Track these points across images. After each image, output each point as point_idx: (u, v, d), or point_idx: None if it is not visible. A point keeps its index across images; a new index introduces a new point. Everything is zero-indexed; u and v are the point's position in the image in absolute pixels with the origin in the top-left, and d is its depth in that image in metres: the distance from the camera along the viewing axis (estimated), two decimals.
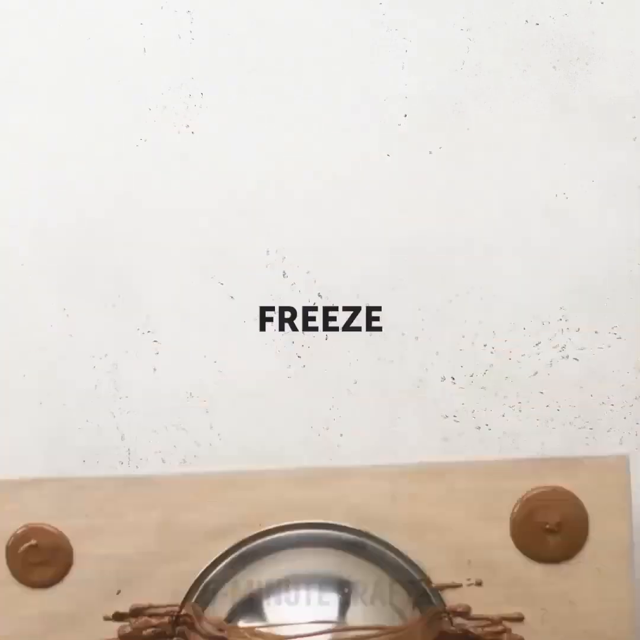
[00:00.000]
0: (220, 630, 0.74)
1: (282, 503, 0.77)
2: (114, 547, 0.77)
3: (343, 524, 0.77)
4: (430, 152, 0.89)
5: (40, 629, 0.77)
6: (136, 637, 0.76)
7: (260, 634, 0.72)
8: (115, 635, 0.76)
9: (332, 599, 0.74)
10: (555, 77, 0.89)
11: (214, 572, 0.78)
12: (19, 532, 0.77)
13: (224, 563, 0.78)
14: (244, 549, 0.78)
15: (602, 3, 0.88)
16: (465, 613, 0.76)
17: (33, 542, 0.76)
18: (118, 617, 0.76)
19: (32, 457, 0.90)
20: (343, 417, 0.90)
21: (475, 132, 0.89)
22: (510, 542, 0.76)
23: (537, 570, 0.76)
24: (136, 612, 0.76)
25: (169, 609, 0.76)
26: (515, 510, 0.76)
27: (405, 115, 0.89)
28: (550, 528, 0.76)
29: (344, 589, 0.75)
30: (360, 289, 0.89)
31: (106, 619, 0.76)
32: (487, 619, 0.76)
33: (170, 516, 0.77)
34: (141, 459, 0.90)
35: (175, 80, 0.89)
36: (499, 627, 0.76)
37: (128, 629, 0.76)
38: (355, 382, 0.89)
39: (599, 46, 0.88)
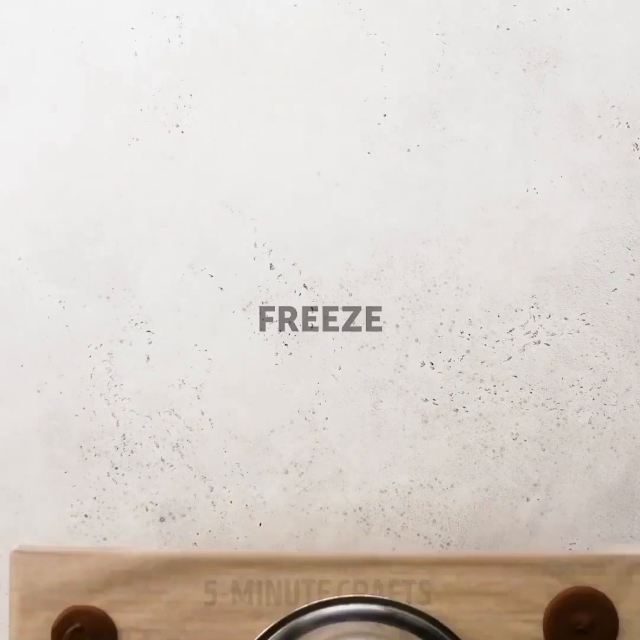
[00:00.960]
0: None
1: (325, 585, 0.77)
2: (156, 623, 0.77)
3: (381, 597, 0.77)
4: (408, 150, 0.92)
5: None
6: None
7: None
8: None
9: None
10: (525, 79, 0.92)
11: None
12: (63, 614, 0.76)
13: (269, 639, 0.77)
14: (286, 626, 0.77)
15: (568, 10, 0.92)
16: None
17: (77, 625, 0.76)
18: None
19: (30, 442, 0.92)
20: (328, 400, 0.92)
21: (450, 131, 0.92)
22: (541, 637, 0.77)
23: None
24: None
25: None
26: (548, 609, 0.76)
27: (385, 115, 0.92)
28: (582, 628, 0.76)
29: None
30: (343, 279, 0.92)
31: None
32: None
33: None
34: (135, 444, 0.92)
35: (165, 82, 0.92)
36: None
37: None
38: (340, 368, 0.92)
39: (566, 50, 0.92)
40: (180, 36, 0.92)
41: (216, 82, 0.92)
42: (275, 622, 0.77)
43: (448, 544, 0.90)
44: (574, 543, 0.91)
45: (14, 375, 0.91)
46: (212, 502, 0.91)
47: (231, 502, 0.91)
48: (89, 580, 0.77)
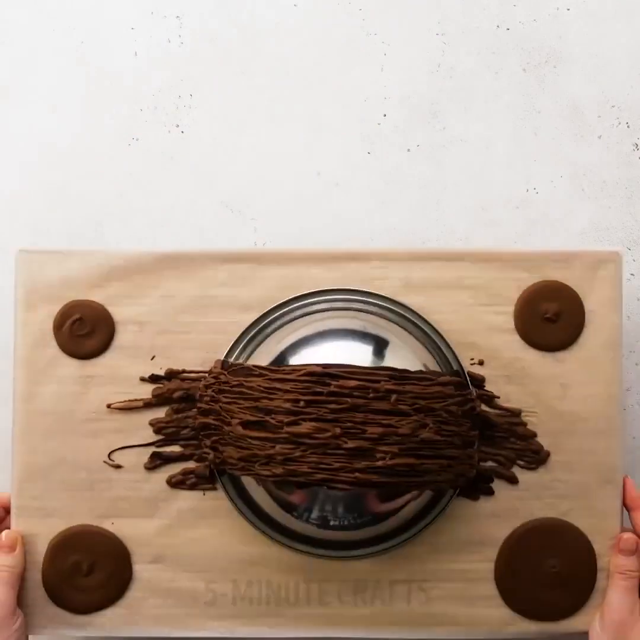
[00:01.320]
0: (250, 373, 0.76)
1: (309, 279, 0.82)
2: (151, 315, 0.82)
3: (364, 289, 0.81)
4: (408, 150, 0.92)
5: (80, 389, 0.81)
6: (168, 398, 0.81)
7: (288, 367, 0.75)
8: (150, 396, 0.81)
9: (364, 349, 0.78)
10: (525, 79, 0.93)
11: (247, 338, 0.81)
12: (64, 307, 0.81)
13: (255, 329, 0.81)
14: (274, 315, 0.81)
15: (568, 10, 0.92)
16: (490, 399, 0.81)
17: (78, 316, 0.81)
18: (154, 379, 0.81)
19: None
20: None
21: (450, 131, 0.92)
22: (512, 328, 0.81)
23: (535, 354, 0.81)
24: (170, 375, 0.81)
25: (200, 374, 0.81)
26: (518, 301, 0.81)
27: (385, 115, 0.92)
28: (550, 317, 0.80)
29: (374, 342, 0.78)
30: None
31: (143, 380, 0.81)
32: (507, 409, 0.81)
33: (205, 290, 0.82)
34: None
35: (165, 82, 0.92)
36: (516, 419, 0.81)
37: (162, 390, 0.81)
38: None
39: (566, 50, 0.92)
40: (180, 36, 0.92)
41: (216, 82, 0.92)
42: (262, 313, 0.81)
43: None
44: None
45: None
46: None
47: None
48: (88, 276, 0.81)
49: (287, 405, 0.72)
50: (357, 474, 0.70)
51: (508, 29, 0.92)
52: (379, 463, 0.71)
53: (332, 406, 0.71)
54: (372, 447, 0.71)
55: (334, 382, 0.72)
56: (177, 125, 0.92)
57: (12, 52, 0.92)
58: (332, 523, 0.77)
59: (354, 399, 0.72)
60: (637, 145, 0.92)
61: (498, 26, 0.92)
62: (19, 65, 0.92)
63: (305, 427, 0.71)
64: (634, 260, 0.92)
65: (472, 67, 0.92)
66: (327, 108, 0.92)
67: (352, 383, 0.72)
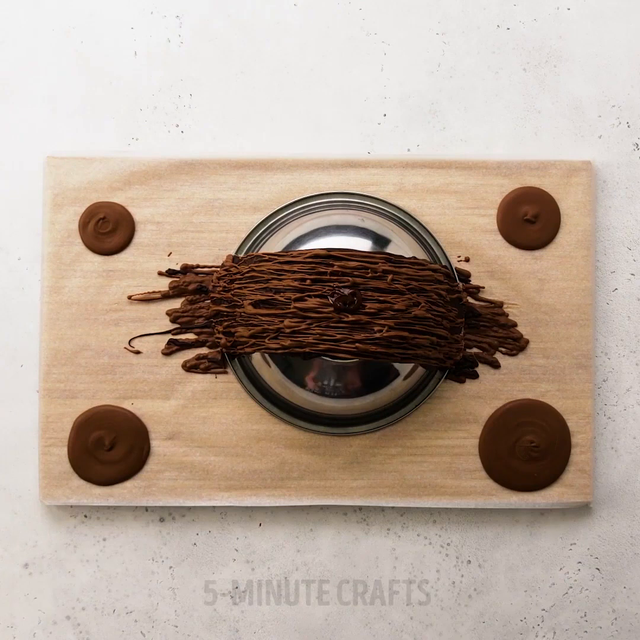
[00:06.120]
0: (261, 259, 0.83)
1: (312, 184, 0.90)
2: (168, 216, 0.89)
3: (362, 193, 0.90)
4: (408, 150, 0.92)
5: (103, 283, 0.89)
6: (183, 290, 0.89)
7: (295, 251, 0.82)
8: (167, 288, 0.89)
9: (363, 242, 0.85)
10: (525, 79, 0.93)
11: (255, 236, 0.89)
12: (89, 208, 0.89)
13: (263, 228, 0.89)
14: (281, 215, 0.89)
15: (569, 9, 0.92)
16: (475, 291, 0.89)
17: (102, 216, 0.88)
18: (170, 273, 0.89)
19: (29, 442, 0.92)
20: None
21: (450, 131, 0.92)
22: (495, 228, 0.89)
23: (515, 252, 0.90)
24: (186, 269, 0.89)
25: (213, 268, 0.89)
26: (500, 204, 0.89)
27: (385, 115, 0.92)
28: (529, 219, 0.89)
29: (373, 237, 0.85)
30: None
31: (160, 274, 0.89)
32: (490, 301, 0.89)
33: (217, 193, 0.89)
34: None
35: (165, 82, 0.92)
36: (499, 310, 0.89)
37: (178, 283, 0.89)
38: None
39: (566, 50, 0.92)
40: (180, 36, 0.92)
41: (216, 82, 0.92)
42: (268, 214, 0.89)
43: None
44: (574, 543, 0.91)
45: (14, 375, 0.91)
46: None
47: None
48: (111, 180, 0.90)
49: (295, 283, 0.78)
50: (357, 345, 0.77)
51: (508, 29, 0.92)
52: (377, 334, 0.77)
53: (335, 284, 0.78)
54: (370, 321, 0.78)
55: (336, 263, 0.78)
56: (177, 125, 0.92)
57: (12, 52, 0.92)
58: (335, 394, 0.84)
59: (354, 278, 0.78)
60: (637, 145, 0.92)
61: (498, 26, 0.92)
62: (19, 65, 0.92)
63: (311, 302, 0.78)
64: (634, 260, 0.92)
65: (472, 67, 0.92)
66: (327, 108, 0.92)
67: (353, 264, 0.79)
